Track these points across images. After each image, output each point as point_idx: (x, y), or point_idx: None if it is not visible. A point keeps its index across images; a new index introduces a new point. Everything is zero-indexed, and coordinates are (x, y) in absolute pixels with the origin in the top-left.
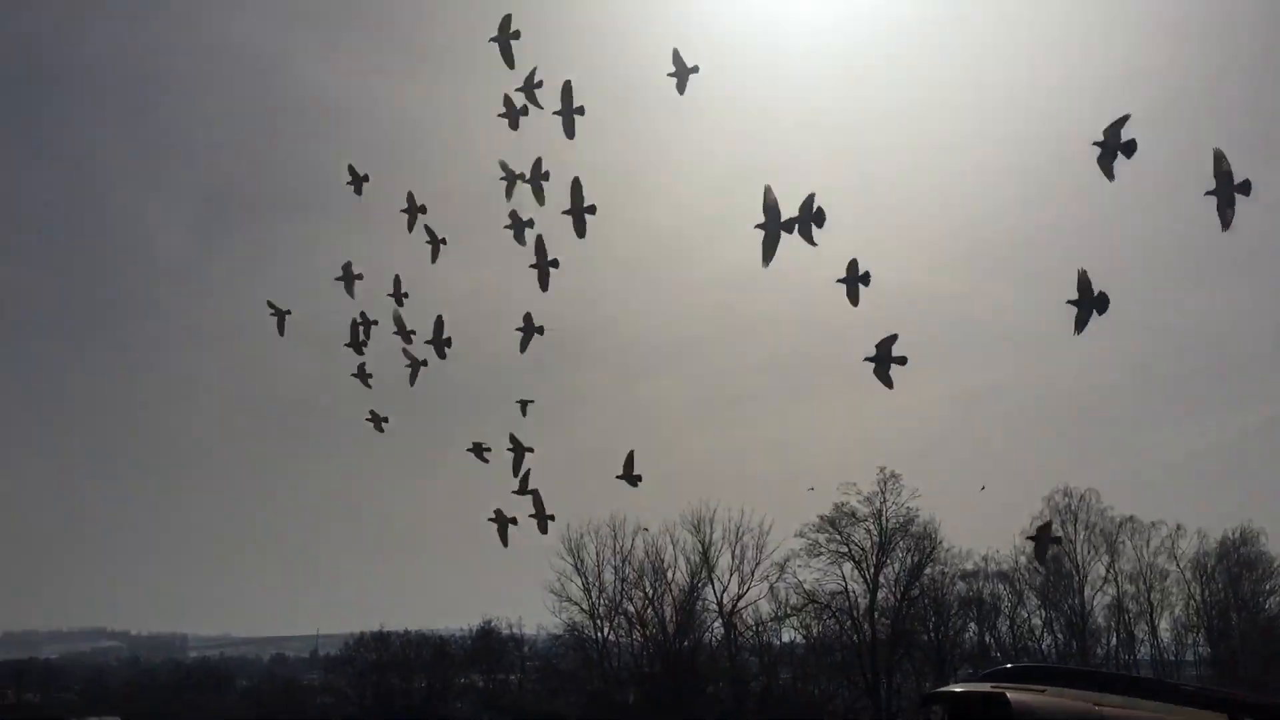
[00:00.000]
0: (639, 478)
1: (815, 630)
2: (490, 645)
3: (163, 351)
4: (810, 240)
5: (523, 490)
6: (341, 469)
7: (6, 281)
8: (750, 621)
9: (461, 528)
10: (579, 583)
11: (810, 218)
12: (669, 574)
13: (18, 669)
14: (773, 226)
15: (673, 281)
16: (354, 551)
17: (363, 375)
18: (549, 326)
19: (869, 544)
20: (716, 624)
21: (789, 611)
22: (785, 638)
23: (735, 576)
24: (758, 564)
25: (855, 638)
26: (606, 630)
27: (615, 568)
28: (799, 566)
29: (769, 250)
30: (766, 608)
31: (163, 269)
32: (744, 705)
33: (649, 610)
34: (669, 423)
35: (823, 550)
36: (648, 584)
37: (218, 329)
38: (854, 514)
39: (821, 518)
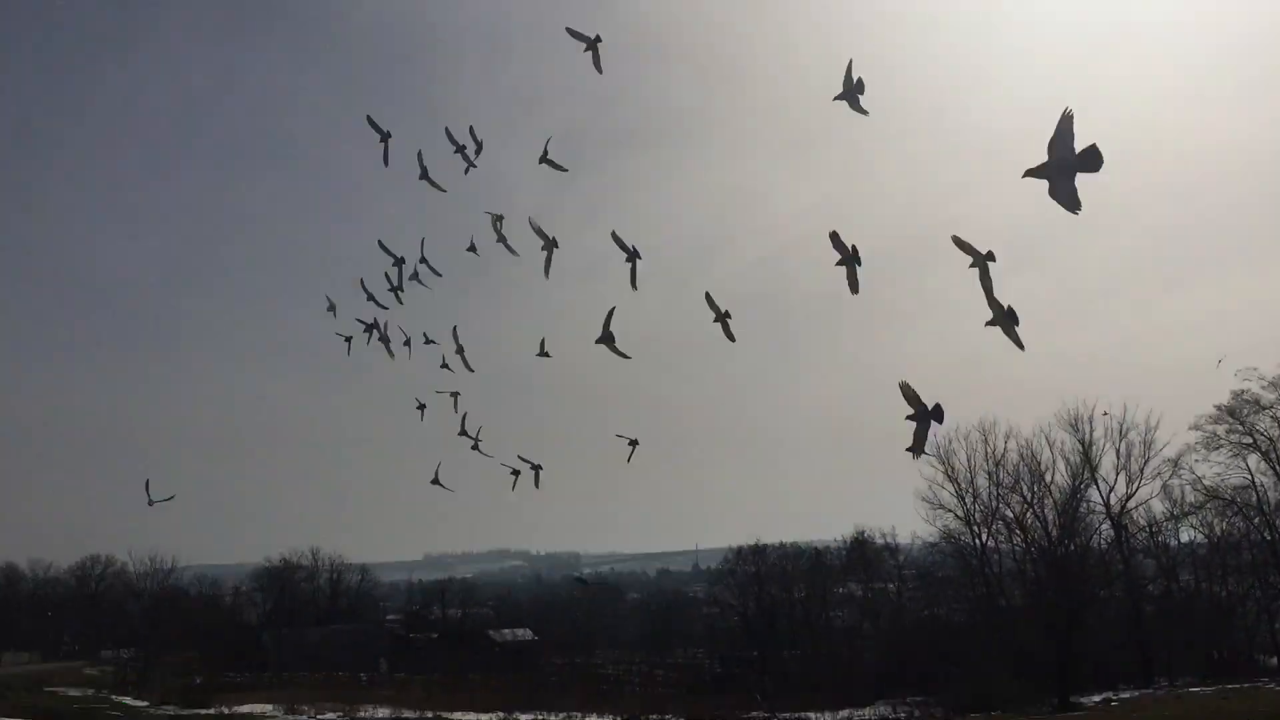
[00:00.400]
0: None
1: (1218, 529)
2: (865, 555)
3: (529, 294)
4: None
5: None
6: (710, 390)
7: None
8: (1142, 522)
9: (830, 440)
10: (951, 489)
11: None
12: (1047, 476)
13: (440, 587)
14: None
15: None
16: (728, 469)
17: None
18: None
19: (1277, 433)
20: (1104, 526)
21: (1186, 510)
22: (1184, 538)
23: (1122, 476)
24: (1146, 461)
25: (1267, 535)
26: (985, 536)
27: (989, 473)
28: (1196, 461)
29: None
30: (1160, 507)
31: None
32: (1140, 609)
33: (1028, 514)
34: (1034, 320)
35: (1222, 443)
36: (1025, 488)
37: (577, 269)
38: (1257, 401)
39: (1219, 408)
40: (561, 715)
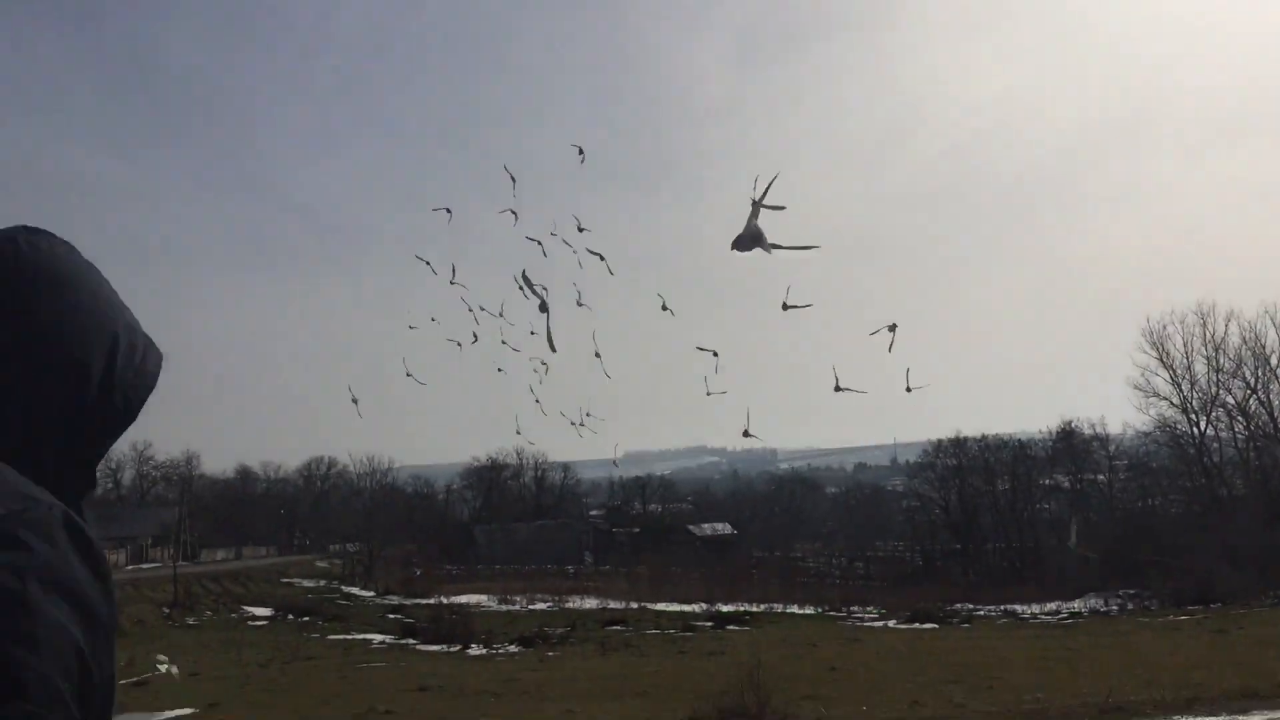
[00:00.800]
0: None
1: None
2: (1073, 445)
3: (714, 192)
4: None
5: None
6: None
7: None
8: None
9: (1031, 330)
10: (1166, 376)
11: None
12: (1273, 360)
13: (640, 484)
14: None
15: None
16: (924, 360)
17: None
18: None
19: None
20: None
21: None
22: None
23: None
24: None
25: None
26: (1203, 424)
27: (1207, 358)
28: None
29: None
30: None
31: (704, 111)
32: None
33: (1252, 400)
34: (1257, 193)
35: None
36: (1248, 372)
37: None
38: None
39: None
40: (763, 605)
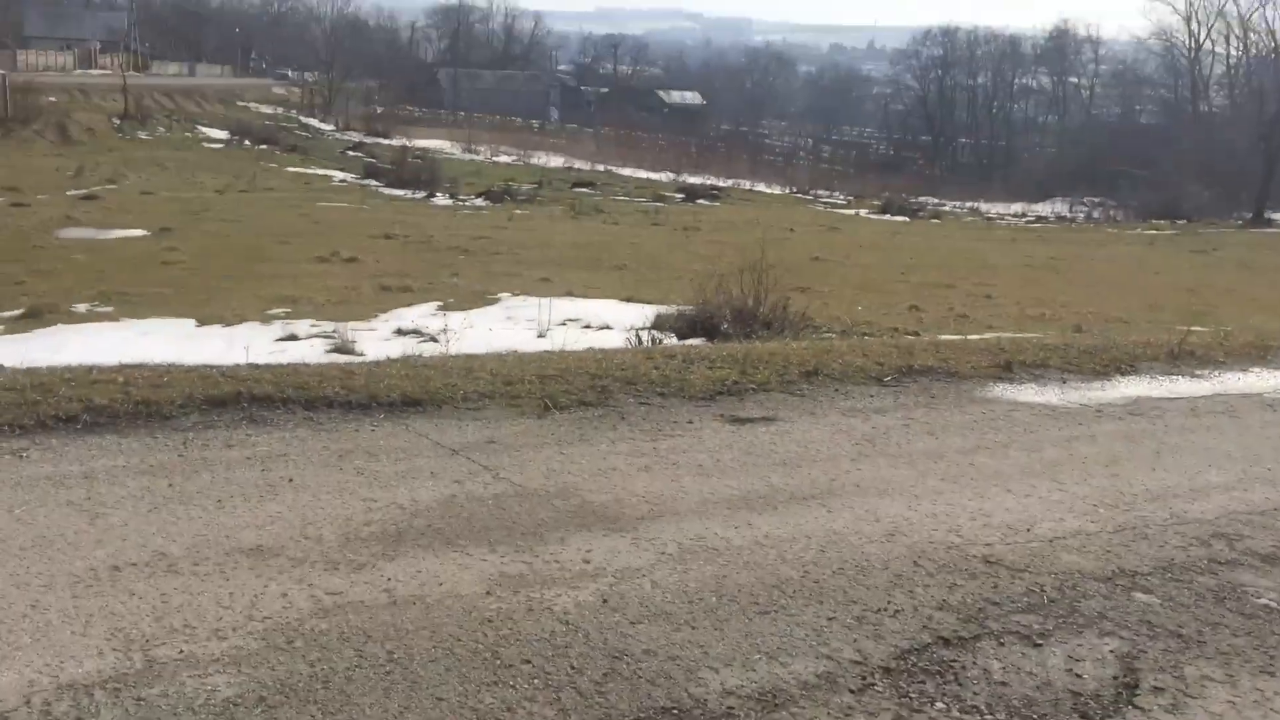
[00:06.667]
0: None
1: None
2: (1062, 45)
3: None
4: None
5: None
6: None
7: None
8: None
9: None
10: None
11: None
12: None
13: (612, 43)
14: None
15: None
16: None
17: None
18: None
19: None
20: None
21: None
22: None
23: None
24: None
25: None
26: (1202, 36)
27: None
28: None
29: None
30: None
31: None
32: None
33: (1256, 13)
34: None
35: None
36: None
37: None
38: None
39: None
40: (729, 180)
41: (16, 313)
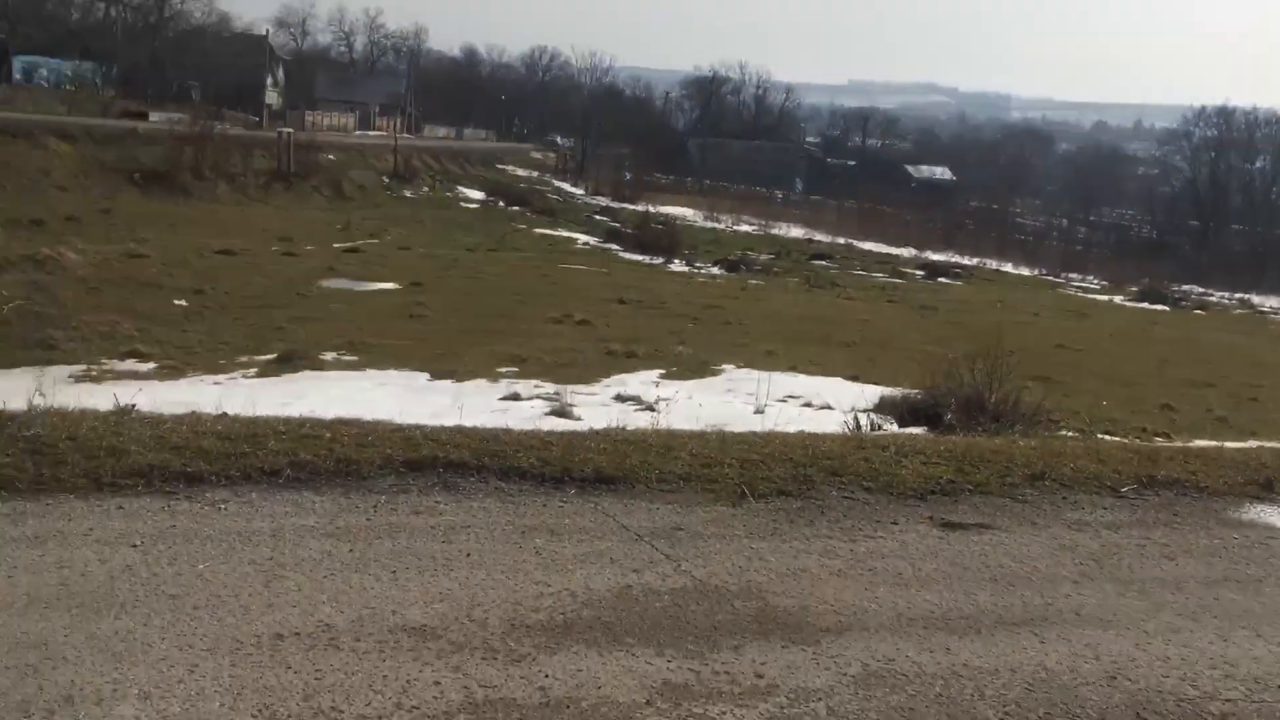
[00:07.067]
0: None
1: None
2: None
3: None
4: None
5: None
6: None
7: None
8: None
9: None
10: None
11: None
12: None
13: (862, 115)
14: None
15: None
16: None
17: None
18: None
19: None
20: None
21: None
22: None
23: None
24: None
25: None
26: None
27: None
28: None
29: None
30: None
31: None
32: None
33: None
34: None
35: None
36: None
37: None
38: None
39: None
40: (975, 259)
41: (270, 357)
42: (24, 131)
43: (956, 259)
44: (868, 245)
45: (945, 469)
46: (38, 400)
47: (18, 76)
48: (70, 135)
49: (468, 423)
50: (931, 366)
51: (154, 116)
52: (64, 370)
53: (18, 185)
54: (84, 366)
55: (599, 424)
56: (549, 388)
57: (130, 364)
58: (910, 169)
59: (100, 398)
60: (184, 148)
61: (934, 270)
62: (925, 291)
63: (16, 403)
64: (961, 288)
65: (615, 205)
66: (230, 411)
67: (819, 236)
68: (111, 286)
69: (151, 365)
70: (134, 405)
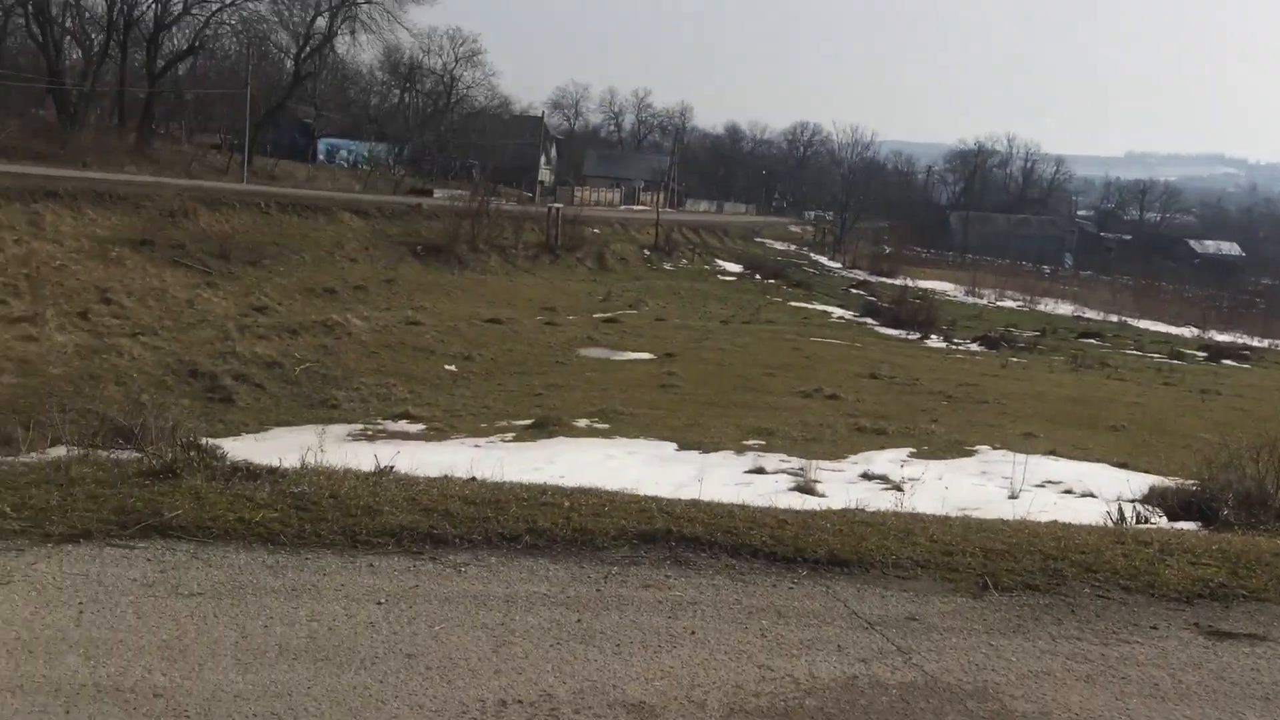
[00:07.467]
0: None
1: None
2: None
3: None
4: None
5: None
6: None
7: None
8: None
9: None
10: None
11: None
12: None
13: (1140, 188)
14: None
15: None
16: None
17: None
18: None
19: None
20: None
21: None
22: None
23: None
24: None
25: None
26: None
27: None
28: None
29: None
30: None
31: None
32: None
33: None
34: None
35: None
36: None
37: None
38: None
39: None
40: (1265, 341)
41: (527, 422)
42: (324, 208)
43: (1244, 340)
44: (1143, 324)
45: (1216, 570)
46: (309, 458)
47: (321, 157)
48: (363, 211)
49: (711, 494)
50: (1209, 456)
51: (437, 193)
52: (343, 429)
53: (316, 256)
54: (361, 425)
55: (842, 502)
56: (794, 462)
57: (402, 424)
58: (1193, 244)
59: (368, 456)
60: (462, 222)
61: (1217, 352)
62: (1206, 374)
63: (294, 457)
64: (1248, 371)
65: (872, 279)
66: (480, 475)
67: (1089, 313)
68: (389, 351)
69: (420, 426)
70: (392, 466)
